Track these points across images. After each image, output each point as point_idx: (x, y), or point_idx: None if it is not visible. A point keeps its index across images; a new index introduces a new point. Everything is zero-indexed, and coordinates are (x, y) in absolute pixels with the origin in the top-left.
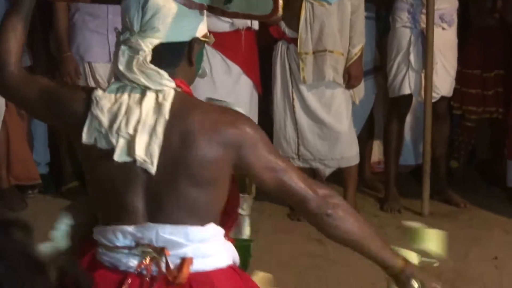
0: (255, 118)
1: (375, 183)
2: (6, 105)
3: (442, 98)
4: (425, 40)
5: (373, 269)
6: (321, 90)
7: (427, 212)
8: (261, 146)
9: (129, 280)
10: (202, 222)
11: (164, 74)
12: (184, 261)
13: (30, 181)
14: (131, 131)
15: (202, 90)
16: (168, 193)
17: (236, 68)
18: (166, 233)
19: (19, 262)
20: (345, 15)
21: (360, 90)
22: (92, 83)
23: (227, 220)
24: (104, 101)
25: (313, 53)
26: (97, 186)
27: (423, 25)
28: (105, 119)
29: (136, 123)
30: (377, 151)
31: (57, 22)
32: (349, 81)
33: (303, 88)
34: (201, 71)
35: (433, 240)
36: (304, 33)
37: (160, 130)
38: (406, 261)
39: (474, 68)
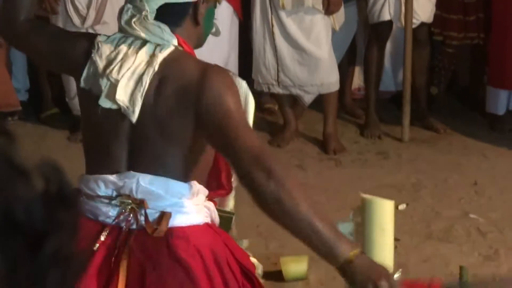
0: (235, 44)
1: (356, 109)
2: None
3: (422, 24)
4: None
5: (352, 194)
6: (300, 16)
7: (407, 138)
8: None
9: (107, 231)
10: (183, 178)
11: (166, 28)
12: (163, 215)
13: (10, 108)
14: (118, 76)
15: None
16: (149, 144)
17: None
18: (147, 182)
19: (1, 169)
20: None
21: (340, 16)
22: (71, 10)
23: (216, 186)
24: (105, 47)
25: None
26: (87, 134)
27: None
28: (101, 65)
29: (126, 70)
30: (357, 78)
31: None
32: (329, 7)
33: (282, 14)
34: (215, 30)
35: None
36: None
37: (146, 79)
38: (357, 251)
39: None
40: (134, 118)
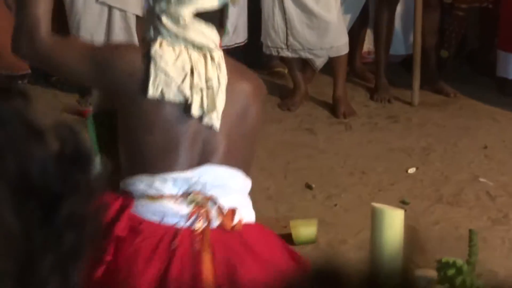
0: (244, 7)
1: (366, 73)
2: None
3: None
4: None
5: (362, 158)
6: None
7: (417, 102)
8: None
9: (180, 231)
10: (247, 174)
11: (214, 30)
12: (233, 210)
13: (20, 71)
14: (204, 86)
15: None
16: (223, 144)
17: None
18: (222, 174)
19: (17, 130)
20: None
21: None
22: None
23: None
24: (168, 55)
25: None
26: (147, 136)
27: None
28: (173, 73)
29: (205, 79)
30: (368, 41)
31: None
32: None
33: None
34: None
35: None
36: None
37: (223, 87)
38: None
39: None
40: (218, 124)
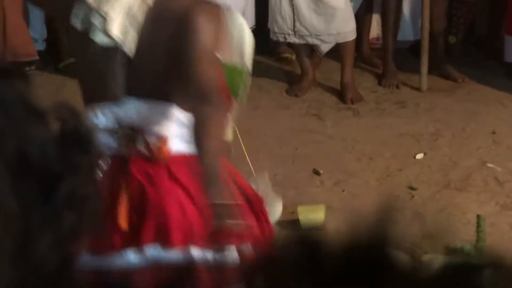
0: None
1: (373, 58)
2: None
3: None
4: None
5: (369, 144)
6: None
7: (425, 87)
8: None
9: (109, 161)
10: (182, 107)
11: None
12: (162, 139)
13: (28, 57)
14: (112, 12)
15: None
16: (147, 76)
17: None
18: (145, 108)
19: (17, 111)
20: None
21: None
22: None
23: None
24: None
25: None
26: (83, 72)
27: None
28: (93, 1)
29: (120, 6)
30: (375, 27)
31: None
32: None
33: None
34: None
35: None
36: None
37: (140, 15)
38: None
39: None
40: (131, 53)
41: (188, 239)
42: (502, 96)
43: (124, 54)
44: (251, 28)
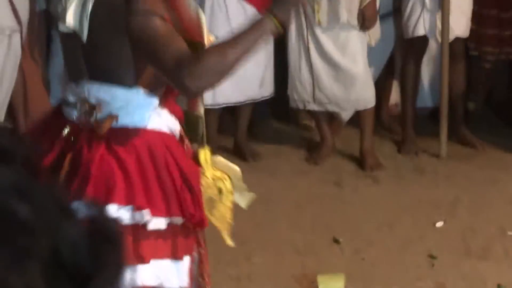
0: (270, 59)
1: (393, 125)
2: (23, 48)
3: (457, 38)
4: None
5: (389, 211)
6: (336, 32)
7: (444, 154)
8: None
9: (68, 128)
10: (129, 85)
11: None
12: (109, 116)
13: None
14: (68, 2)
15: (218, 30)
16: (98, 59)
17: (251, 10)
18: (95, 90)
19: (49, 208)
20: None
21: (376, 32)
22: None
23: (165, 92)
24: None
25: None
26: (63, 54)
27: None
28: None
29: None
30: (395, 94)
31: None
32: (364, 23)
33: (317, 30)
34: None
35: None
36: None
37: (89, 4)
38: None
39: (490, 7)
40: (84, 38)
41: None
42: None
43: (81, 40)
44: (270, 95)
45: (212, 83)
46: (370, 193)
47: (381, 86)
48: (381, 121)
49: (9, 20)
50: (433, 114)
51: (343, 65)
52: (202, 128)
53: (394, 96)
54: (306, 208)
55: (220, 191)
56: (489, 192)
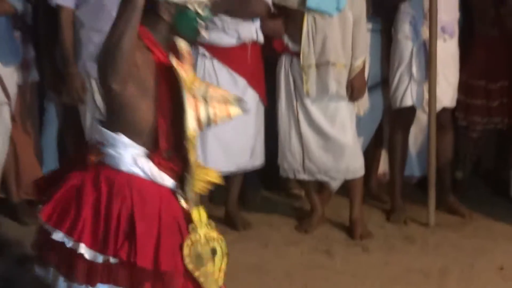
0: (261, 129)
1: (382, 194)
2: (14, 119)
3: (444, 109)
4: (427, 51)
5: (378, 281)
6: (325, 103)
7: (433, 222)
8: None
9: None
10: (112, 130)
11: None
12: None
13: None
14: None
15: None
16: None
17: (242, 81)
18: (99, 132)
19: None
20: (346, 27)
21: (365, 102)
22: (98, 99)
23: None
24: None
25: (316, 66)
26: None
27: (425, 37)
28: None
29: None
30: (383, 163)
31: (63, 39)
32: (353, 94)
33: (307, 101)
34: (200, 35)
35: None
36: (306, 46)
37: None
38: None
39: (478, 78)
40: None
41: None
42: (509, 231)
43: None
44: (260, 165)
45: (112, 61)
46: (360, 262)
47: (370, 156)
48: (370, 190)
49: None
50: (422, 182)
51: (333, 135)
52: (190, 186)
53: (383, 165)
54: (296, 277)
55: (213, 251)
56: (477, 261)
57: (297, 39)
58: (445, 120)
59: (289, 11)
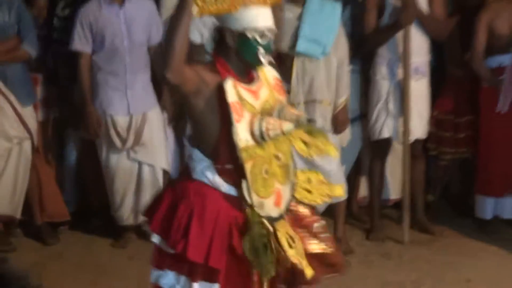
0: None
1: (362, 215)
2: (37, 151)
3: (417, 140)
4: (402, 90)
5: None
6: None
7: (407, 240)
8: None
9: None
10: (192, 145)
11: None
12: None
13: (61, 218)
14: None
15: None
16: None
17: None
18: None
19: None
20: (331, 69)
21: (347, 134)
22: (113, 134)
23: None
24: None
25: (304, 103)
26: None
27: (400, 77)
28: None
29: None
30: (363, 188)
31: (82, 81)
32: (337, 127)
33: None
34: (260, 61)
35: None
36: (295, 85)
37: None
38: None
39: (448, 113)
40: None
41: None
42: (475, 247)
43: None
44: None
45: (165, 54)
46: (342, 276)
47: (351, 181)
48: (352, 211)
49: (16, 131)
50: (397, 205)
51: (320, 164)
52: (247, 192)
53: (363, 190)
54: None
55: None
56: (447, 275)
57: (287, 79)
58: (417, 150)
59: (280, 54)
